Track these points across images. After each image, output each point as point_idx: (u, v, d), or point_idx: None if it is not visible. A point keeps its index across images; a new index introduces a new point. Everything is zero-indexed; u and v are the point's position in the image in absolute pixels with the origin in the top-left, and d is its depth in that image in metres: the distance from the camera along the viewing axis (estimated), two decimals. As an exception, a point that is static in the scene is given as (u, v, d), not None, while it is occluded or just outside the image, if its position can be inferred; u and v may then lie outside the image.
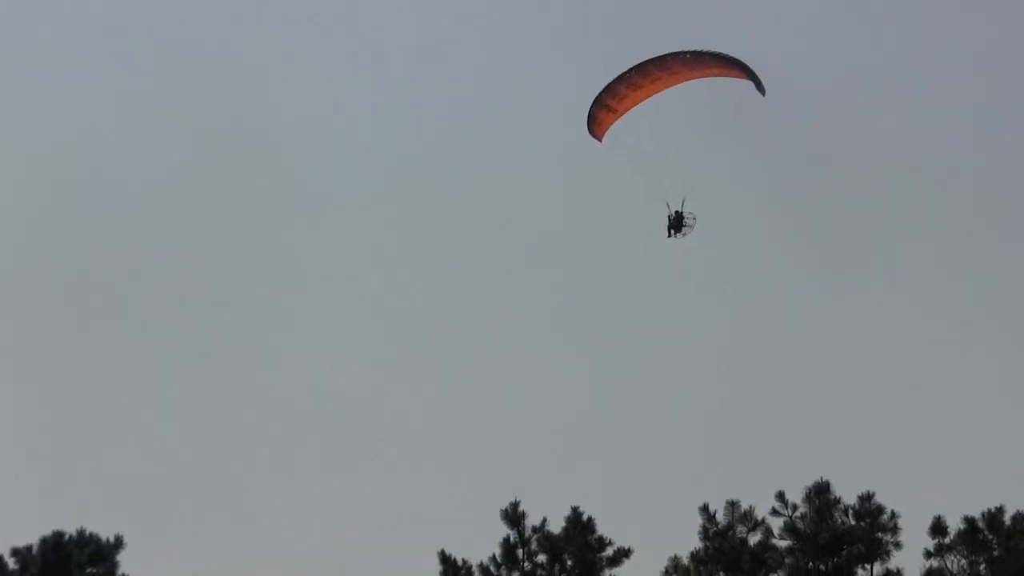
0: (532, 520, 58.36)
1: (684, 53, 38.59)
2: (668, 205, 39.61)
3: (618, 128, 40.06)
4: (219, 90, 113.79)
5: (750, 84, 38.50)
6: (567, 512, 58.57)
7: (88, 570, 58.99)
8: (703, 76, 39.12)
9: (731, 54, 38.57)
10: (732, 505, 58.53)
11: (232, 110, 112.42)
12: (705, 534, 58.27)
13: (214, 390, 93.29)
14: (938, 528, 57.49)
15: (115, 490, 78.10)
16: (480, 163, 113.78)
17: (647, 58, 39.09)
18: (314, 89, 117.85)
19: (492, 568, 58.07)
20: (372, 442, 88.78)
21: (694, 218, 39.80)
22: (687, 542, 58.28)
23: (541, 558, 58.19)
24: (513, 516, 58.31)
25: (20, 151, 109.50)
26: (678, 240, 39.92)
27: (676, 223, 39.78)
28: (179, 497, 77.94)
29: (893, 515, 57.46)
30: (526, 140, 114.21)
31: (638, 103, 39.73)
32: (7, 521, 67.74)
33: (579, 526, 58.30)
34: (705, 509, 58.49)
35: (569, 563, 58.03)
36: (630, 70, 39.07)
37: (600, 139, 40.40)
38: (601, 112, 39.97)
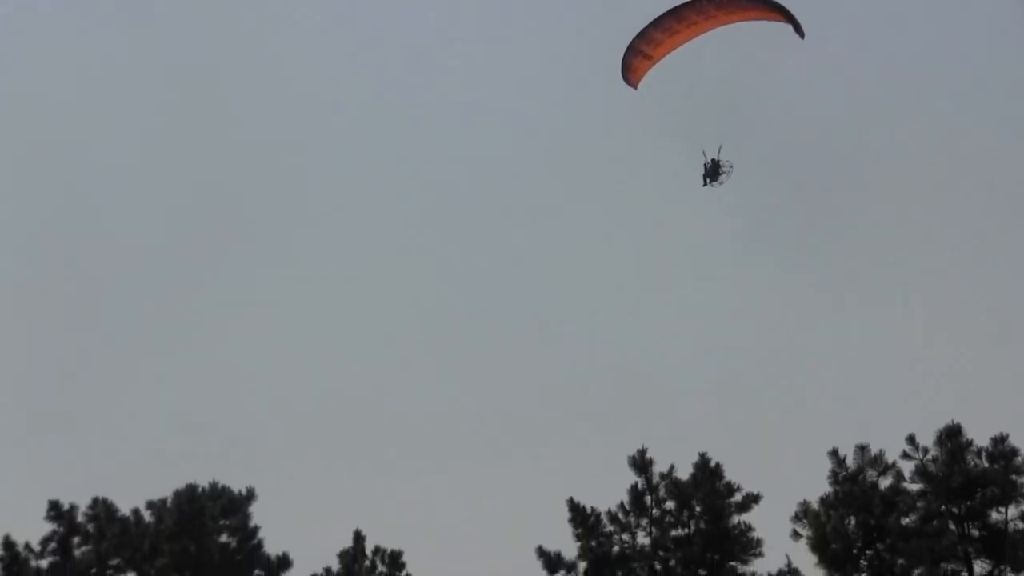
0: (660, 467, 58.29)
1: None
2: (704, 153, 38.21)
3: (652, 76, 38.93)
4: (220, 88, 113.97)
5: (788, 27, 37.09)
6: (695, 458, 58.41)
7: (221, 522, 60.00)
8: (740, 20, 37.69)
9: None
10: (862, 449, 57.81)
11: (234, 109, 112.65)
12: (835, 478, 57.65)
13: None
14: (1076, 469, 56.31)
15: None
16: (483, 156, 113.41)
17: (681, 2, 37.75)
18: (316, 86, 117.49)
19: (620, 515, 58.06)
20: (498, 395, 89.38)
21: (731, 166, 38.34)
22: (817, 487, 57.75)
23: (669, 504, 58.09)
24: (640, 463, 58.18)
25: (20, 149, 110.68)
26: (714, 188, 38.54)
27: (712, 171, 38.30)
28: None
29: (1029, 457, 56.43)
30: (532, 128, 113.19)
31: (674, 49, 38.28)
32: (136, 475, 69.24)
33: (707, 472, 58.02)
34: (835, 453, 57.84)
35: (698, 509, 57.87)
36: (664, 14, 37.63)
37: (635, 86, 39.00)
38: (636, 59, 38.52)
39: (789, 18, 37.14)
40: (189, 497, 59.77)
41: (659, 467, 58.18)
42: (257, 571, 59.66)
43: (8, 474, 70.36)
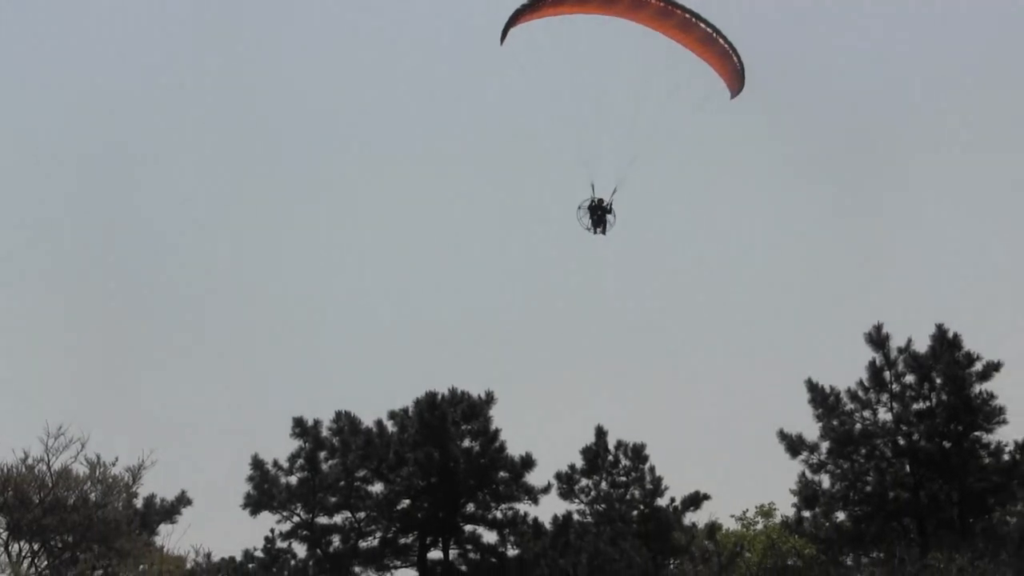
0: (897, 341, 57.74)
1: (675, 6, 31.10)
2: (592, 187, 32.35)
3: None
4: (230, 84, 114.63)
5: (722, 81, 32.41)
6: (931, 331, 57.80)
7: (463, 427, 61.00)
8: (672, 37, 31.57)
9: (728, 41, 31.63)
10: (1104, 308, 56.81)
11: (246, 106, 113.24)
12: (1077, 340, 56.79)
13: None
14: None
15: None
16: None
17: None
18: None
19: (860, 392, 57.75)
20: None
21: (615, 217, 32.69)
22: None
23: (909, 379, 57.55)
24: (877, 339, 57.57)
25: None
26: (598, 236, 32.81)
27: (599, 217, 32.58)
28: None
29: None
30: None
31: (570, 13, 31.25)
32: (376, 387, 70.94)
33: (945, 343, 57.32)
34: (1076, 315, 56.92)
35: (938, 381, 57.30)
36: None
37: (502, 40, 31.52)
38: (525, 13, 31.46)
39: (734, 76, 32.03)
40: (430, 405, 60.77)
41: (896, 341, 57.66)
42: (502, 473, 60.55)
43: (253, 395, 72.75)
